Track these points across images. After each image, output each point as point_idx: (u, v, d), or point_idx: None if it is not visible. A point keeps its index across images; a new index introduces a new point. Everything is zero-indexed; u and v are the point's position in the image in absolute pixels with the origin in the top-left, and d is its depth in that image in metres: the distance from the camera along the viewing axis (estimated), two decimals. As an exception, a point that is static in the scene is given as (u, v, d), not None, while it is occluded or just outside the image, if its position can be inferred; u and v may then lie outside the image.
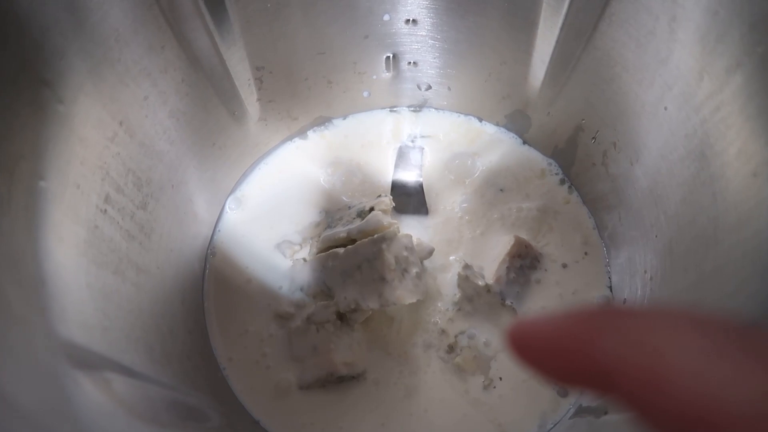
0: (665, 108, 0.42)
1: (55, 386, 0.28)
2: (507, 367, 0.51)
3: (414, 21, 0.54)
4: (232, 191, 0.60)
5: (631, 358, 0.16)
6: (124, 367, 0.36)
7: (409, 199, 0.59)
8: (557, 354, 0.18)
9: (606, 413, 0.43)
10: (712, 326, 0.16)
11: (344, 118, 0.63)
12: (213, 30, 0.46)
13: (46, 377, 0.28)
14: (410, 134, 0.63)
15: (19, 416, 0.24)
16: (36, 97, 0.33)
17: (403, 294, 0.47)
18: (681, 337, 0.16)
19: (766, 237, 0.33)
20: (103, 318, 0.37)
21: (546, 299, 0.53)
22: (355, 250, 0.50)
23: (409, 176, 0.60)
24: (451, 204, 0.58)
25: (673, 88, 0.41)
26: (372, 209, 0.53)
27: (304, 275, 0.54)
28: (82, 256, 0.37)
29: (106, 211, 0.40)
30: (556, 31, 0.48)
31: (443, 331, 0.52)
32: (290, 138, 0.62)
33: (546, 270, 0.54)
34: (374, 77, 0.60)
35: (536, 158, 0.60)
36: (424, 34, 0.55)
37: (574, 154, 0.57)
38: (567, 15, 0.46)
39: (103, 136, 0.40)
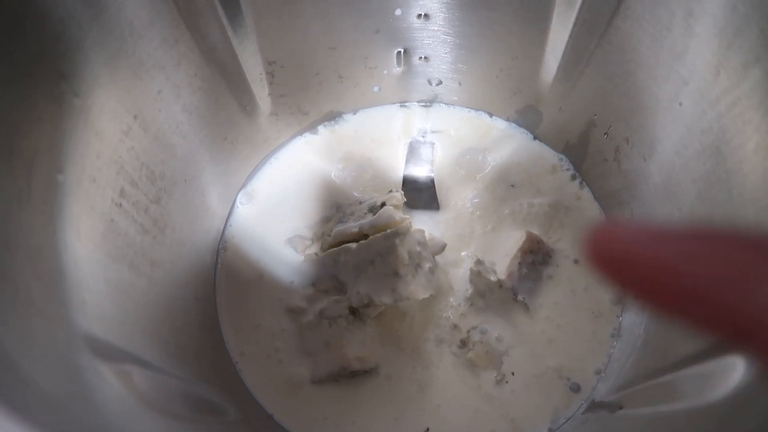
0: (680, 103, 0.42)
1: (78, 375, 0.28)
2: (519, 363, 0.51)
3: (426, 16, 0.54)
4: (243, 186, 0.60)
5: None
6: (142, 360, 0.37)
7: (420, 194, 0.59)
8: (686, 294, 0.16)
9: (621, 408, 0.43)
10: None
11: (355, 113, 0.63)
12: (226, 24, 0.46)
13: (70, 367, 0.28)
14: (421, 129, 0.62)
15: (45, 402, 0.24)
16: (52, 89, 0.33)
17: (417, 289, 0.47)
18: None
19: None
20: (120, 311, 0.37)
21: (558, 295, 0.53)
22: (368, 245, 0.50)
23: (420, 171, 0.60)
24: (462, 199, 0.58)
25: (689, 83, 0.41)
26: (383, 204, 0.53)
27: (316, 270, 0.54)
28: (99, 250, 0.37)
29: (121, 205, 0.40)
30: (570, 26, 0.48)
31: (455, 327, 0.52)
32: (301, 133, 0.62)
33: (558, 266, 0.54)
34: (385, 72, 0.60)
35: (547, 154, 0.60)
36: (436, 29, 0.55)
37: (586, 150, 0.57)
38: (581, 10, 0.46)
39: (118, 129, 0.40)
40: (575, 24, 0.48)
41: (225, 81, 0.50)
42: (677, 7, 0.40)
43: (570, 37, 0.49)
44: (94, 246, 0.36)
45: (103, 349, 0.32)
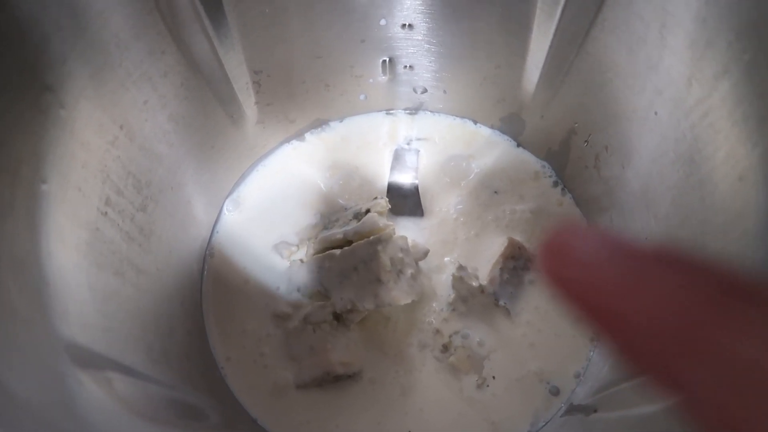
0: (655, 113, 0.43)
1: (59, 384, 0.29)
2: (500, 367, 0.51)
3: (410, 26, 0.54)
4: (230, 193, 0.60)
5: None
6: (125, 366, 0.37)
7: (405, 201, 0.59)
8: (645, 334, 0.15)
9: (595, 411, 0.44)
10: None
11: (341, 121, 0.64)
12: (212, 34, 0.47)
13: (51, 376, 0.28)
14: (406, 137, 0.63)
15: (25, 412, 0.24)
16: (38, 101, 0.34)
17: (399, 295, 0.48)
18: None
19: (752, 239, 0.33)
20: (104, 319, 0.38)
21: (539, 300, 0.54)
22: (351, 251, 0.50)
23: (405, 178, 0.61)
24: (446, 206, 0.59)
25: (664, 93, 0.42)
26: (368, 211, 0.54)
27: (301, 276, 0.55)
28: (83, 258, 0.37)
29: (106, 213, 0.41)
30: (550, 37, 0.49)
31: (438, 331, 0.53)
32: (287, 140, 0.63)
33: (539, 271, 0.55)
34: (371, 81, 0.61)
35: (530, 161, 0.61)
36: (420, 38, 0.56)
37: (568, 157, 0.58)
38: (560, 21, 0.47)
39: (104, 139, 0.41)
40: (555, 34, 0.49)
41: (211, 90, 0.51)
42: (651, 20, 0.41)
43: (550, 47, 0.50)
44: (79, 254, 0.37)
45: (85, 357, 0.32)
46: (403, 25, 0.55)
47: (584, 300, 0.17)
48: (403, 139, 0.63)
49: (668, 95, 0.41)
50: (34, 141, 0.34)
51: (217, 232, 0.59)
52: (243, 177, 0.61)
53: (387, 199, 0.55)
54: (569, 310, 0.18)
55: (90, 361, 0.33)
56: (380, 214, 0.53)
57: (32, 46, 0.33)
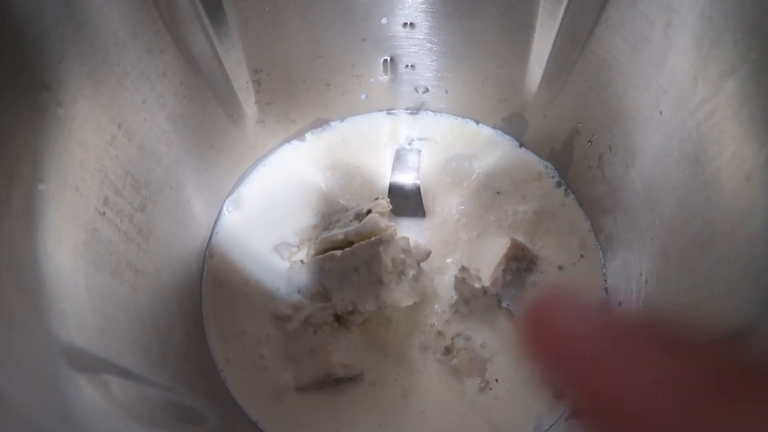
0: (660, 112, 0.43)
1: (54, 388, 0.28)
2: (503, 369, 0.51)
3: (411, 24, 0.54)
4: (230, 193, 0.60)
5: None
6: (122, 368, 0.37)
7: (406, 201, 0.59)
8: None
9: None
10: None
11: (342, 121, 0.64)
12: (211, 33, 0.46)
13: (46, 379, 0.28)
14: (407, 137, 0.63)
15: (19, 417, 0.24)
16: (35, 100, 0.34)
17: (400, 296, 0.48)
18: None
19: (759, 240, 0.33)
20: (102, 320, 0.37)
21: (542, 301, 0.53)
22: (352, 252, 0.50)
23: (406, 179, 0.60)
24: (448, 206, 0.59)
25: (669, 92, 0.41)
26: (369, 212, 0.53)
27: (302, 277, 0.54)
28: (80, 259, 0.37)
29: (104, 213, 0.40)
30: (553, 36, 0.49)
31: (440, 333, 0.52)
32: (288, 140, 0.63)
33: (542, 272, 0.54)
34: (372, 80, 0.60)
35: (533, 161, 0.61)
36: (421, 37, 0.55)
37: (571, 157, 0.57)
38: (563, 19, 0.47)
39: (102, 139, 0.40)
40: (558, 33, 0.48)
41: (211, 90, 0.50)
42: (656, 18, 0.40)
43: (553, 46, 0.50)
44: (76, 255, 0.36)
45: (81, 359, 0.32)
46: (405, 24, 0.54)
47: (567, 374, 0.19)
48: (404, 139, 0.63)
49: (673, 94, 0.41)
50: (32, 140, 0.33)
51: (217, 232, 0.58)
52: (243, 177, 0.61)
53: (388, 200, 0.55)
54: (545, 380, 0.19)
55: (86, 363, 0.32)
56: (381, 214, 0.53)
57: (29, 44, 0.33)
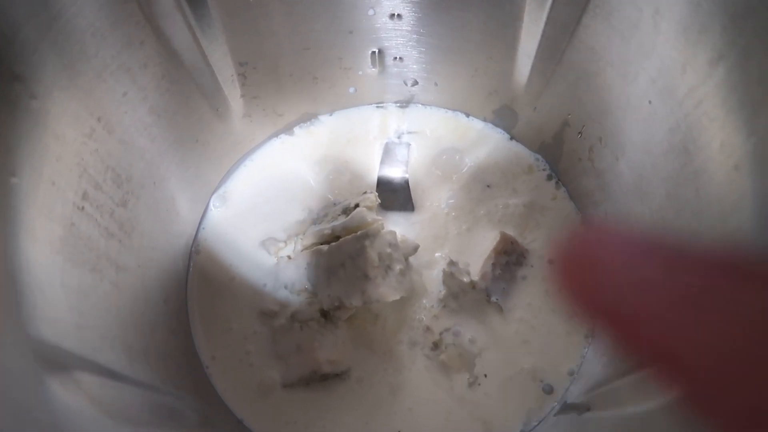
0: (649, 102, 0.42)
1: (22, 387, 0.27)
2: (492, 365, 0.50)
3: (398, 16, 0.53)
4: (217, 189, 0.59)
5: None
6: (99, 365, 0.36)
7: (395, 195, 0.58)
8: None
9: (588, 410, 0.42)
10: None
11: (330, 115, 0.63)
12: (194, 25, 0.46)
13: (12, 378, 0.27)
14: (397, 130, 0.62)
15: None
16: (7, 92, 0.33)
17: (387, 291, 0.47)
18: None
19: (748, 230, 0.32)
20: (78, 316, 0.36)
21: (532, 295, 0.53)
22: (338, 247, 0.49)
23: (395, 172, 0.59)
24: (437, 200, 0.58)
25: (657, 81, 0.41)
26: (357, 206, 0.52)
27: (289, 273, 0.53)
28: (57, 254, 0.36)
29: (83, 208, 0.40)
30: (541, 25, 0.48)
31: (428, 329, 0.52)
32: (276, 134, 0.62)
33: (532, 266, 0.54)
34: (360, 73, 0.59)
35: (523, 154, 0.60)
36: (408, 29, 0.55)
37: (561, 150, 0.57)
38: (551, 9, 0.46)
39: (80, 132, 0.39)
40: (546, 23, 0.47)
41: (195, 83, 0.50)
42: (644, 5, 0.39)
43: (542, 36, 0.49)
44: (52, 250, 0.35)
45: (52, 356, 0.31)
46: (392, 15, 0.53)
47: (630, 333, 0.16)
48: (393, 133, 0.62)
49: (662, 83, 0.40)
50: (3, 133, 0.33)
51: (204, 228, 0.57)
52: (230, 172, 0.60)
53: (376, 194, 0.54)
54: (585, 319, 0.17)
55: (58, 360, 0.31)
56: (369, 208, 0.52)
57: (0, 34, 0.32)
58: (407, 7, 0.52)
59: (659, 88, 0.41)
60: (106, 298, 0.41)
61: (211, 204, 0.58)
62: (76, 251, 0.38)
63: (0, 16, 0.32)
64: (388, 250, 0.49)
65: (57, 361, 0.31)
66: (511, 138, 0.61)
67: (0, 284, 0.30)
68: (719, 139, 0.35)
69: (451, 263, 0.51)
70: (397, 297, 0.48)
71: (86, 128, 0.40)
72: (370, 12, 0.53)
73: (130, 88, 0.44)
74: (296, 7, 0.51)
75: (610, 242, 0.16)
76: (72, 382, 0.32)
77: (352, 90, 0.61)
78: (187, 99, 0.50)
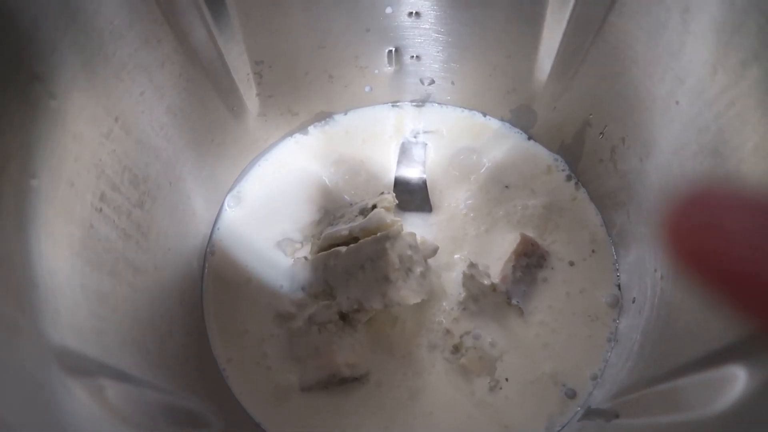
0: (677, 102, 0.41)
1: (44, 395, 0.27)
2: (513, 368, 0.50)
3: (417, 14, 0.52)
4: (231, 189, 0.58)
5: None
6: (119, 371, 0.35)
7: (412, 196, 0.57)
8: None
9: (617, 417, 0.42)
10: None
11: (345, 114, 0.62)
12: (211, 23, 0.45)
13: (35, 386, 0.26)
14: (413, 130, 0.61)
15: (5, 427, 0.23)
16: (26, 92, 0.32)
17: (408, 294, 0.46)
18: None
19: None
20: (98, 321, 0.36)
21: (553, 298, 0.52)
22: (357, 248, 0.48)
23: (412, 173, 0.59)
24: (455, 201, 0.57)
25: (686, 81, 0.40)
26: (374, 207, 0.52)
27: (306, 274, 0.53)
28: (76, 257, 0.35)
29: (101, 209, 0.39)
30: (564, 24, 0.47)
31: (448, 332, 0.51)
32: (290, 134, 0.61)
33: (553, 268, 0.53)
34: (376, 72, 0.59)
35: (542, 154, 0.59)
36: (427, 27, 0.54)
37: (582, 150, 0.56)
38: (575, 6, 0.45)
39: (98, 132, 0.39)
40: (569, 21, 0.47)
41: (211, 82, 0.49)
42: (673, 4, 0.39)
43: (564, 34, 0.48)
44: (71, 253, 0.35)
45: (75, 363, 0.30)
46: (410, 14, 0.52)
47: (735, 280, 0.15)
48: (409, 132, 0.61)
49: (691, 83, 0.39)
50: (23, 134, 0.32)
51: (218, 228, 0.57)
52: (244, 172, 0.59)
53: (394, 194, 0.54)
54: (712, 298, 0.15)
55: (80, 367, 0.31)
56: (387, 209, 0.51)
57: (20, 32, 0.31)
58: (426, 4, 0.52)
59: (688, 88, 0.40)
60: (124, 302, 0.40)
61: (225, 204, 0.58)
62: (95, 254, 0.38)
63: (20, 14, 0.31)
64: (409, 252, 0.48)
65: (80, 368, 0.31)
66: (530, 138, 0.60)
67: (21, 289, 0.29)
68: (753, 141, 0.34)
69: (472, 265, 0.51)
70: (419, 300, 0.47)
71: (104, 128, 0.39)
72: (388, 10, 0.52)
73: (147, 87, 0.43)
74: (314, 5, 0.50)
75: (727, 204, 0.15)
76: (96, 389, 0.31)
77: (367, 89, 0.61)
78: (203, 98, 0.49)
